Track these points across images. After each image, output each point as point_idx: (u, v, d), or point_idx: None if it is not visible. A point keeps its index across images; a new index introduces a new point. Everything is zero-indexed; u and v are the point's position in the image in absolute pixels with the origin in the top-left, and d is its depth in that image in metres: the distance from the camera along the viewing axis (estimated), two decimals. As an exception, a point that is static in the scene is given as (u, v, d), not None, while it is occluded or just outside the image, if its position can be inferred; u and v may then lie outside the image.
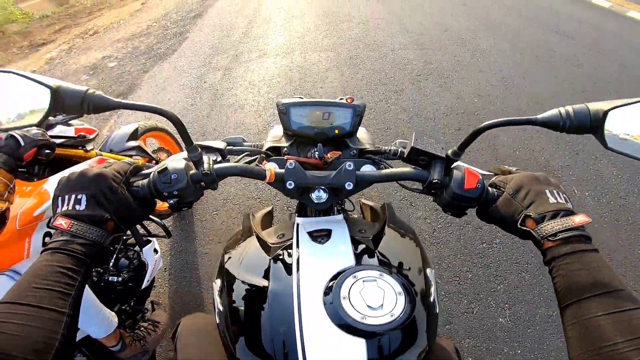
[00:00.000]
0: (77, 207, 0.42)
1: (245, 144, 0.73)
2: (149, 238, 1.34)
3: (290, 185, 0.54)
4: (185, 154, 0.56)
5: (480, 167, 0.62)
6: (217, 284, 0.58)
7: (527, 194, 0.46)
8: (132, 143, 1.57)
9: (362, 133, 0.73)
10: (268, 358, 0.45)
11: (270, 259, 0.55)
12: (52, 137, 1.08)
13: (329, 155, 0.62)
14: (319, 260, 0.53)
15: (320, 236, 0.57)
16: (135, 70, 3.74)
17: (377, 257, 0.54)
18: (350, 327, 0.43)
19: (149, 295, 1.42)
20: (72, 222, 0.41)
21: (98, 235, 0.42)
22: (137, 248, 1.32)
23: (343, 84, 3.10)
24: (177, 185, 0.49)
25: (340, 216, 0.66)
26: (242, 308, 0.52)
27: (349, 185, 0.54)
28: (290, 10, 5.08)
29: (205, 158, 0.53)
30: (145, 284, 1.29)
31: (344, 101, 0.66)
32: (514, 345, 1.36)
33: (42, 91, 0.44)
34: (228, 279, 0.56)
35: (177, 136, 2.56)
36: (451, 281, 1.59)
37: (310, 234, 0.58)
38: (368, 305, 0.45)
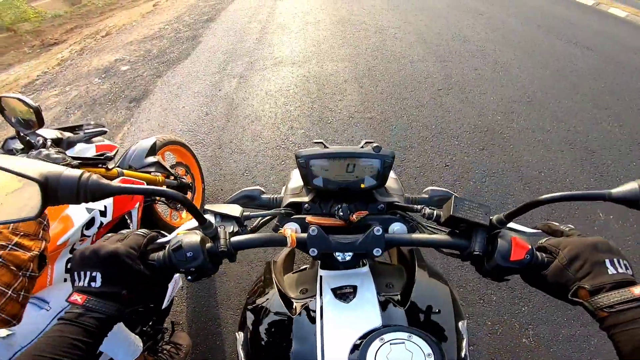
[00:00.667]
0: (93, 284, 0.43)
1: (263, 197, 0.70)
2: None
3: (313, 252, 0.52)
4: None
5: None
6: (240, 336, 0.58)
7: (583, 265, 0.43)
8: (151, 159, 1.52)
9: (390, 180, 0.68)
10: None
11: (293, 318, 0.55)
12: (72, 158, 1.06)
13: (354, 216, 0.58)
14: (344, 320, 0.52)
15: (345, 294, 0.56)
16: (149, 75, 3.70)
17: (406, 315, 0.53)
18: None
19: (168, 314, 1.37)
20: (88, 297, 0.42)
21: (113, 310, 0.42)
22: None
23: (362, 97, 3.03)
24: (193, 262, 0.47)
25: (366, 268, 0.62)
26: None
27: (377, 252, 0.51)
28: (304, 17, 5.03)
29: (220, 231, 0.51)
30: (165, 304, 1.25)
31: (369, 149, 0.60)
32: (536, 364, 1.33)
33: (30, 184, 0.38)
34: (251, 333, 0.57)
35: (196, 149, 2.50)
36: (475, 304, 1.56)
37: (334, 290, 0.56)
38: None
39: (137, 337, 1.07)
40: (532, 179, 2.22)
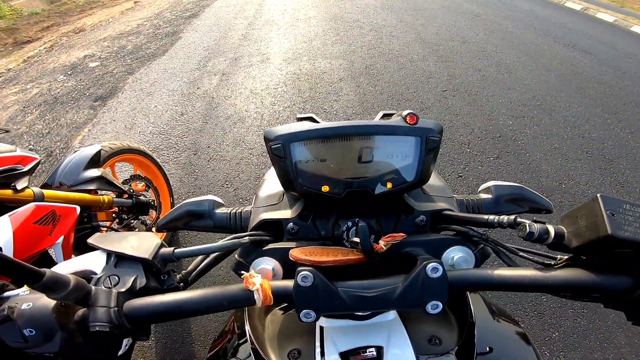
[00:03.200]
0: None
1: (218, 212, 0.45)
2: None
3: (307, 316, 0.31)
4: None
5: None
6: None
7: None
8: (92, 172, 1.16)
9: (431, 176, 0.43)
10: None
11: None
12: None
13: (381, 243, 0.34)
14: None
15: None
16: (119, 72, 3.33)
17: None
18: None
19: (129, 358, 1.03)
20: None
21: None
22: None
23: (360, 97, 2.74)
24: (44, 347, 0.27)
25: (393, 314, 0.40)
26: None
27: (434, 307, 0.30)
28: (294, 14, 4.76)
29: (100, 293, 0.29)
30: (123, 349, 0.90)
31: (399, 121, 0.36)
32: (568, 394, 1.20)
33: None
34: None
35: (167, 155, 2.17)
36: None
37: (345, 356, 0.35)
38: None
39: None
40: (553, 191, 2.01)
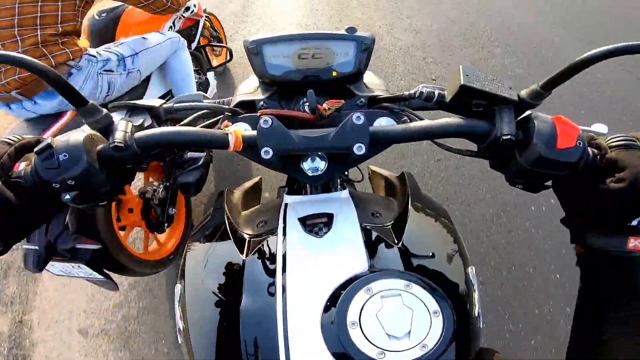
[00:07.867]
0: None
1: (205, 102, 0.53)
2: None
3: (266, 153, 0.38)
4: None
5: None
6: (178, 289, 0.45)
7: None
8: None
9: (371, 77, 0.57)
10: None
11: (245, 260, 0.42)
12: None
13: (325, 105, 0.44)
14: (315, 263, 0.39)
15: (318, 225, 0.43)
16: None
17: (401, 256, 0.40)
18: None
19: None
20: None
21: None
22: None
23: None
24: (70, 170, 0.33)
25: (345, 192, 0.51)
26: (208, 328, 0.39)
27: (359, 149, 0.38)
28: None
29: (120, 123, 0.38)
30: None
31: (341, 31, 0.50)
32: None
33: None
34: (190, 285, 0.43)
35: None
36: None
37: (302, 221, 0.44)
38: (389, 334, 0.32)
39: None
40: (594, 103, 1.90)
